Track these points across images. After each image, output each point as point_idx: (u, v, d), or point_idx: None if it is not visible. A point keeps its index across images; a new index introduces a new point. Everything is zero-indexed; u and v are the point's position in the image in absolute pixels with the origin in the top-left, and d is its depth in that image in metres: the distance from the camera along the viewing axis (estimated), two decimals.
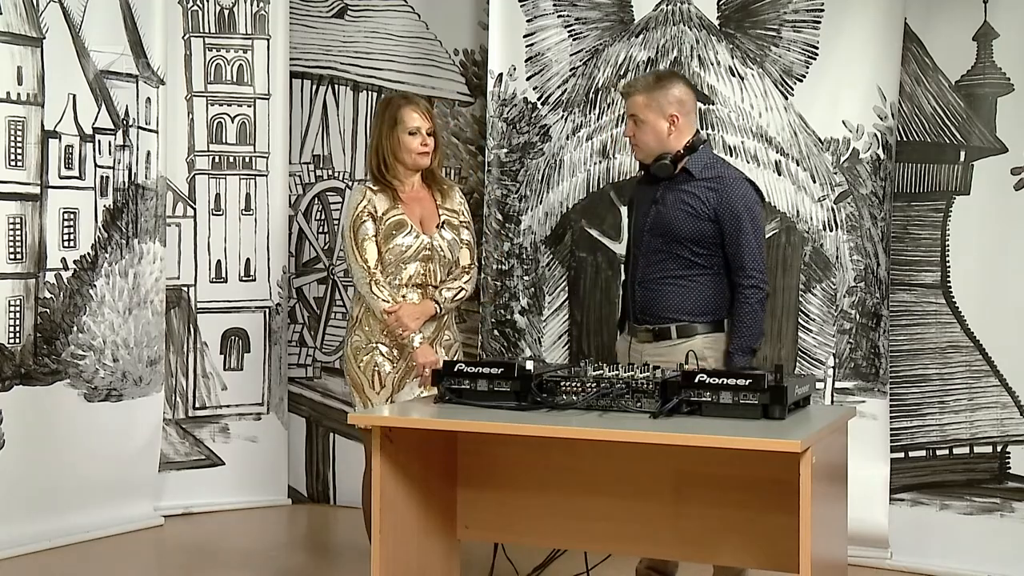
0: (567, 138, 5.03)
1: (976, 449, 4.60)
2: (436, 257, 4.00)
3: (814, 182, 4.68)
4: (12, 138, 4.80)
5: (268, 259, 5.70)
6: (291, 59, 5.74)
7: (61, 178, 4.99)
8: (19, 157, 4.84)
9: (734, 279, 3.68)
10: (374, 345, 3.97)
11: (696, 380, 3.14)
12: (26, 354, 4.86)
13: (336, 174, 5.76)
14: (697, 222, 3.67)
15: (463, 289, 4.08)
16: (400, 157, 4.01)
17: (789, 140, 4.71)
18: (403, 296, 3.96)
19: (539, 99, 5.09)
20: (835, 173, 4.66)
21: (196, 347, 5.60)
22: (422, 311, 3.97)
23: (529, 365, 3.33)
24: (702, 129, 4.67)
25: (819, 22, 4.68)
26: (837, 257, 4.66)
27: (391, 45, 5.63)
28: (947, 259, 4.64)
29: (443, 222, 4.04)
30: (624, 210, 4.93)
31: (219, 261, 5.63)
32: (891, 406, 4.65)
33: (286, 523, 5.59)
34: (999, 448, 4.56)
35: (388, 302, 3.91)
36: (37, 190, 4.91)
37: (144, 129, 5.27)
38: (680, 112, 3.72)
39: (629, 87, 3.85)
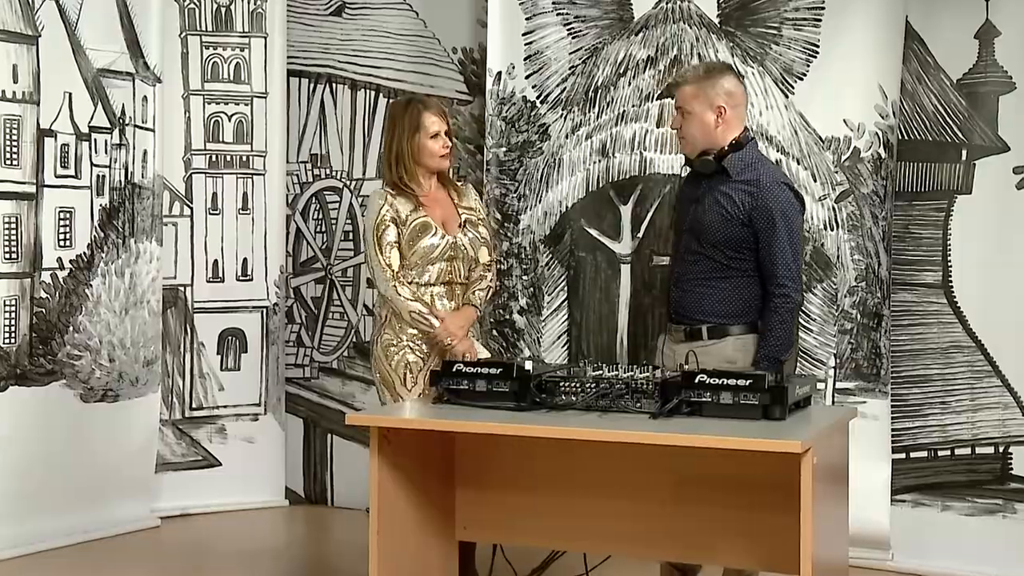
0: (566, 137, 5.03)
1: (978, 450, 4.60)
2: (460, 255, 4.04)
3: (815, 181, 4.68)
4: (7, 137, 4.80)
5: (265, 259, 5.69)
6: (288, 57, 5.74)
7: (57, 177, 4.99)
8: (14, 156, 4.84)
9: (766, 286, 3.60)
10: (405, 343, 3.99)
11: (696, 380, 3.14)
12: (21, 354, 4.86)
13: (334, 173, 5.75)
14: (730, 226, 3.60)
15: (490, 287, 4.14)
16: (421, 161, 4.03)
17: (790, 139, 4.71)
18: (431, 294, 3.99)
19: (538, 98, 5.09)
20: (836, 172, 4.66)
21: (193, 347, 5.59)
22: (466, 319, 4.01)
23: (528, 365, 3.34)
24: None
25: (820, 20, 4.68)
26: (838, 257, 4.66)
27: (389, 43, 5.63)
28: (949, 259, 4.65)
29: (464, 221, 4.07)
30: (623, 209, 4.94)
31: (216, 261, 5.63)
32: (892, 406, 4.65)
33: (283, 524, 5.59)
34: (1001, 449, 4.56)
35: (415, 302, 3.93)
36: (33, 189, 4.91)
37: (140, 128, 5.27)
38: (728, 104, 3.64)
39: (679, 78, 3.78)
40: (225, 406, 5.65)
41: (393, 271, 3.97)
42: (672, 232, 3.95)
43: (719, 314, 3.64)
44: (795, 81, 4.72)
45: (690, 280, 3.71)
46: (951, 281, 4.64)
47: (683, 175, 4.27)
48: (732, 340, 3.63)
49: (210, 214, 5.62)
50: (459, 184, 4.21)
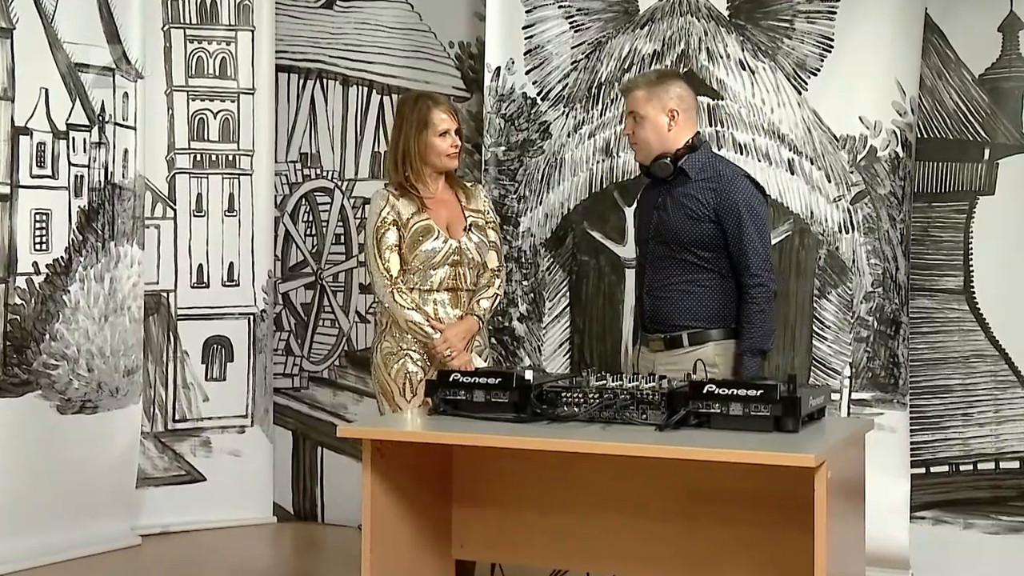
0: (568, 135, 5.03)
1: (1002, 464, 4.60)
2: (465, 260, 4.04)
3: (829, 181, 4.68)
4: None
5: (252, 263, 5.69)
6: (277, 52, 5.75)
7: (33, 177, 4.99)
8: None
9: (739, 279, 3.76)
10: (405, 352, 4.00)
11: (705, 391, 3.14)
12: None
13: (324, 173, 5.76)
14: (698, 224, 3.75)
15: (497, 295, 4.14)
16: (429, 160, 4.04)
17: (803, 137, 4.71)
18: (435, 301, 3.98)
19: (539, 94, 5.09)
20: (851, 172, 4.66)
21: (176, 356, 5.59)
22: (467, 329, 4.01)
23: (528, 375, 3.34)
24: (711, 126, 4.71)
25: (834, 12, 4.68)
26: (854, 261, 4.66)
27: (383, 37, 5.64)
28: (970, 263, 4.65)
29: (470, 224, 4.07)
30: (628, 211, 4.94)
31: (200, 265, 5.63)
32: (912, 418, 4.65)
33: (271, 542, 5.59)
34: None
35: (412, 311, 3.94)
36: (7, 190, 4.91)
37: (121, 125, 5.27)
38: (680, 107, 3.83)
39: (629, 83, 3.99)
40: (210, 418, 5.65)
41: (391, 277, 3.97)
42: (636, 243, 4.12)
43: (698, 319, 3.79)
44: (808, 77, 4.72)
45: (664, 287, 3.84)
46: (973, 286, 4.64)
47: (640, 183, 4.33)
48: (712, 345, 3.76)
49: (194, 216, 5.62)
50: (468, 185, 4.19)
